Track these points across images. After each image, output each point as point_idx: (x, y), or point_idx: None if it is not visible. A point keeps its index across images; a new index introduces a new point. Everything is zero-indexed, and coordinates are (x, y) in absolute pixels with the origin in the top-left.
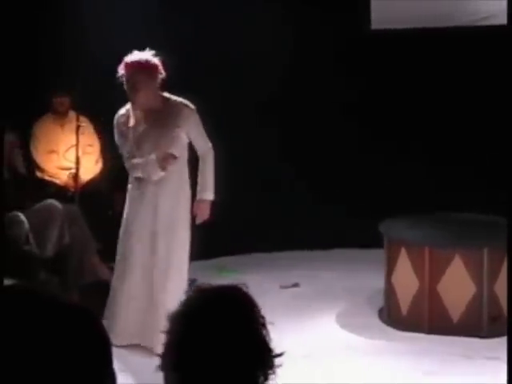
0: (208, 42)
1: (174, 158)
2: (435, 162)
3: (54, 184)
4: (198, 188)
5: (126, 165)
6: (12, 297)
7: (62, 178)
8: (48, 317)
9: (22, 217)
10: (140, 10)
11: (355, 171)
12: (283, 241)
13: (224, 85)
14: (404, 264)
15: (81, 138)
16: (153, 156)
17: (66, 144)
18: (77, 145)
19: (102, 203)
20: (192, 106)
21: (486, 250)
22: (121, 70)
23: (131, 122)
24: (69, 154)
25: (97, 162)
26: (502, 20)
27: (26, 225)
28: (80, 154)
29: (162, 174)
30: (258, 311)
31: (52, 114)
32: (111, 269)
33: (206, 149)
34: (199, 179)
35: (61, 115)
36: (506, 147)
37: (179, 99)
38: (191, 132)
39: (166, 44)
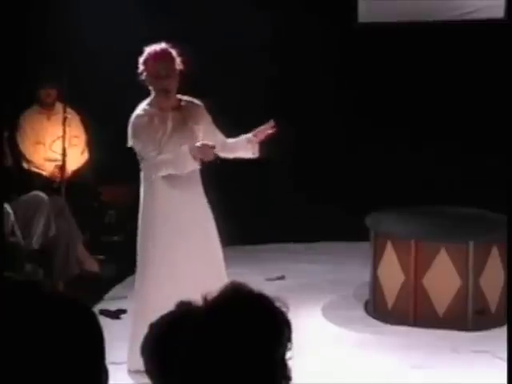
0: (194, 38)
1: (213, 147)
2: (421, 155)
3: (41, 175)
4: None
5: (151, 163)
6: (9, 291)
7: (49, 169)
8: (44, 311)
9: (8, 208)
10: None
11: (341, 164)
12: (268, 233)
13: (211, 83)
14: (390, 257)
15: (67, 129)
16: (185, 147)
17: (53, 135)
18: (63, 136)
19: (88, 195)
20: (199, 102)
21: (471, 244)
22: (144, 64)
23: (155, 122)
24: (55, 145)
25: (82, 152)
26: (488, 14)
27: (12, 216)
28: (66, 145)
29: (196, 166)
30: (287, 338)
31: (39, 106)
32: (98, 260)
33: (224, 138)
34: (237, 140)
35: (47, 107)
36: (497, 141)
37: (187, 97)
38: (208, 127)
39: (155, 35)
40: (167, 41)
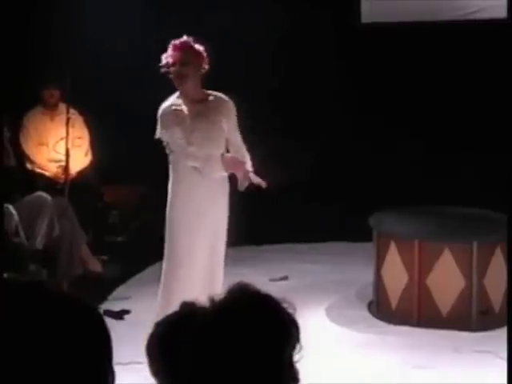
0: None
1: (243, 164)
2: (425, 155)
3: (44, 176)
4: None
5: (180, 153)
6: (17, 291)
7: (52, 170)
8: (50, 311)
9: (12, 209)
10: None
11: (344, 165)
12: (272, 234)
13: (217, 80)
14: (393, 257)
15: (71, 130)
16: (217, 153)
17: (56, 136)
18: (67, 137)
19: (92, 195)
20: (228, 99)
21: (475, 244)
22: (167, 56)
23: (181, 113)
24: (59, 146)
25: (86, 154)
26: (491, 14)
27: (16, 217)
28: (70, 146)
29: (223, 174)
30: (295, 339)
31: (42, 106)
32: (101, 261)
33: (241, 143)
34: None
35: (51, 107)
36: (498, 141)
37: (217, 93)
38: (231, 124)
39: (157, 36)
40: (168, 42)
